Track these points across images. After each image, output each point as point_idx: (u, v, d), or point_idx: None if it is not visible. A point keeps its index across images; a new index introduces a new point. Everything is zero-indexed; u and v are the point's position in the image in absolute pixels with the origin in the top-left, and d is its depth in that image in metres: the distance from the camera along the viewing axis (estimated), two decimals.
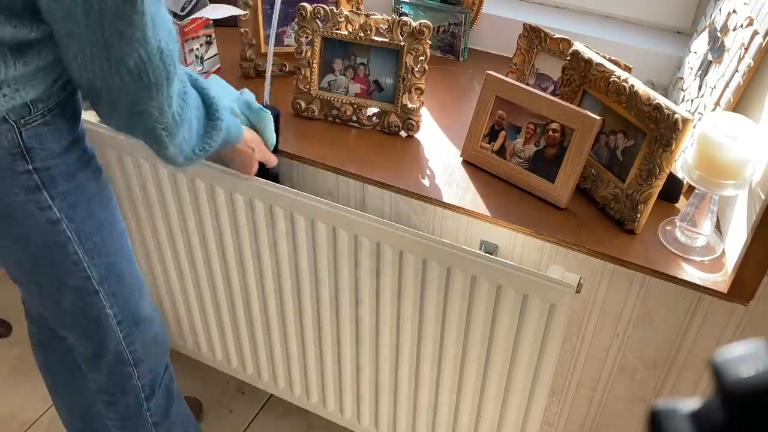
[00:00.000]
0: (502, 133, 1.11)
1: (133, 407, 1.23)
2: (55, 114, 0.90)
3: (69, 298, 1.03)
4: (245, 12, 1.31)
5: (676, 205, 1.09)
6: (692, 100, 1.09)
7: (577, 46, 1.08)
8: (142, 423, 1.25)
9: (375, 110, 1.24)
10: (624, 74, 1.01)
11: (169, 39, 0.80)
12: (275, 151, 1.17)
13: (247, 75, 1.36)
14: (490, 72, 1.10)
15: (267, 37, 1.31)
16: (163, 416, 1.28)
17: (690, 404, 0.33)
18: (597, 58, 1.05)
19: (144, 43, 0.77)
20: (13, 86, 0.82)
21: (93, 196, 0.98)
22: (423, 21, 1.14)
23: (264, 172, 1.19)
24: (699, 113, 1.05)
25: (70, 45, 0.79)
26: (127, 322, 1.11)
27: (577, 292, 1.06)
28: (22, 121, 0.86)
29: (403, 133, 1.23)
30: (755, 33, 0.96)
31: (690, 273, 0.98)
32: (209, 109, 0.95)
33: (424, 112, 1.25)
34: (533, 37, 1.21)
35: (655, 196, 1.00)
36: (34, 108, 0.86)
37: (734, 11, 1.04)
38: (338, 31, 1.19)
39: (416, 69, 1.17)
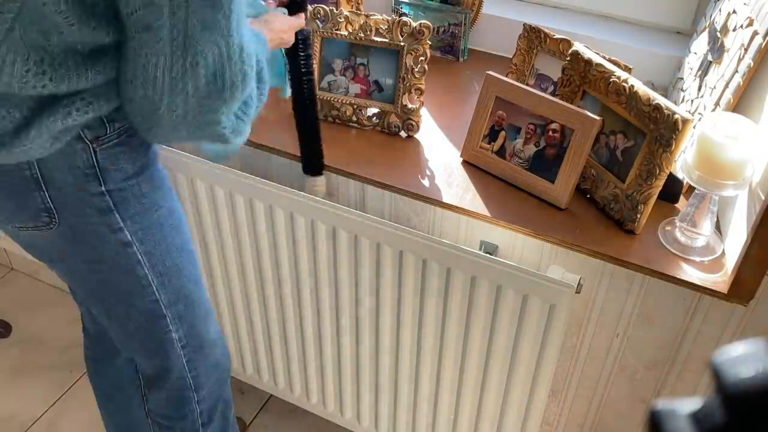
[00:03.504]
0: (502, 133, 1.11)
1: None
2: (131, 134, 0.86)
3: (136, 320, 1.02)
4: None
5: (676, 205, 1.09)
6: (692, 101, 1.09)
7: (577, 46, 1.08)
8: None
9: (375, 110, 1.24)
10: (624, 74, 1.01)
11: (249, 39, 0.76)
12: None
13: None
14: (490, 72, 1.10)
15: None
16: None
17: (690, 404, 0.33)
18: (597, 59, 1.05)
19: (227, 35, 0.72)
20: (86, 99, 0.78)
21: (165, 219, 0.96)
22: (423, 21, 1.14)
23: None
24: (699, 113, 1.05)
25: (143, 46, 0.71)
26: (192, 346, 1.09)
27: (577, 292, 1.06)
28: (98, 140, 0.84)
29: (403, 134, 1.23)
30: (755, 33, 0.96)
31: (690, 273, 0.98)
32: (259, 77, 0.86)
33: (424, 112, 1.25)
34: (533, 37, 1.21)
35: (655, 197, 1.00)
36: (110, 127, 0.84)
37: (734, 11, 1.04)
38: (338, 32, 1.19)
39: (416, 69, 1.17)
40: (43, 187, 0.85)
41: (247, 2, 0.98)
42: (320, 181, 1.18)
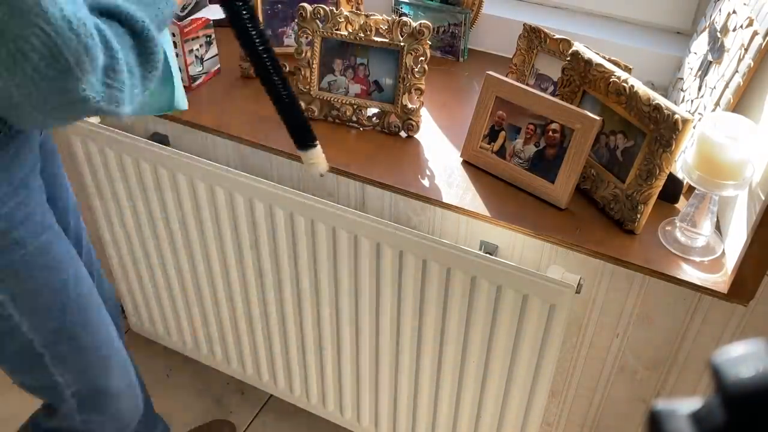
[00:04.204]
0: (502, 133, 1.11)
1: None
2: None
3: (10, 360, 0.99)
4: None
5: (676, 205, 1.09)
6: (692, 101, 1.09)
7: (577, 46, 1.08)
8: None
9: (375, 111, 1.24)
10: (624, 75, 1.01)
11: (75, 7, 0.68)
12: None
13: (247, 75, 1.36)
14: (490, 72, 1.10)
15: None
16: None
17: (690, 404, 0.33)
18: (597, 59, 1.05)
19: (42, 13, 0.64)
20: None
21: (35, 258, 0.90)
22: (423, 21, 1.14)
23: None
24: (699, 114, 1.05)
25: None
26: (85, 392, 1.04)
27: (577, 292, 1.06)
28: None
29: (403, 134, 1.23)
30: (755, 33, 0.96)
31: (690, 273, 0.98)
32: (139, 38, 0.77)
33: (424, 112, 1.25)
34: (533, 37, 1.21)
35: (655, 197, 1.00)
36: None
37: (734, 12, 1.04)
38: (338, 32, 1.19)
39: (416, 69, 1.17)
40: None
41: None
42: (317, 154, 1.04)
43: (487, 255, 1.09)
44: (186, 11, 1.29)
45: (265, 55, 0.95)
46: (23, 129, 0.83)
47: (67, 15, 0.66)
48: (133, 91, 0.76)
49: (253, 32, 0.93)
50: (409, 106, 1.20)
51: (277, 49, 1.26)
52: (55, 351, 0.98)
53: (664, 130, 0.95)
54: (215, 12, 1.27)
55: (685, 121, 0.93)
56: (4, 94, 0.69)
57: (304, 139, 1.03)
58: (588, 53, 1.06)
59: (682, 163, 0.98)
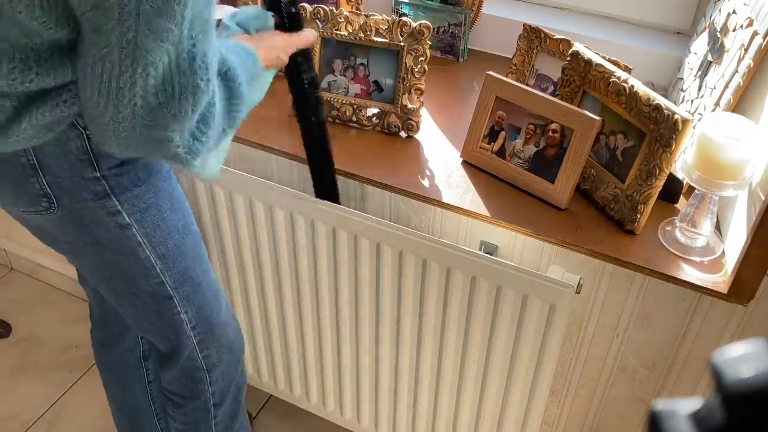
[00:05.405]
0: (502, 133, 1.11)
1: (200, 412, 1.21)
2: None
3: (143, 302, 1.03)
4: None
5: (676, 205, 1.09)
6: (692, 101, 1.09)
7: (577, 46, 1.08)
8: (206, 429, 1.23)
9: (375, 111, 1.24)
10: (624, 75, 1.01)
11: (207, 47, 0.70)
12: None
13: None
14: (490, 72, 1.10)
15: None
16: (227, 427, 1.27)
17: (690, 404, 0.33)
18: (597, 59, 1.05)
19: (178, 43, 0.68)
20: (74, 90, 0.78)
21: (163, 200, 0.96)
22: (423, 21, 1.14)
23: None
24: (699, 114, 1.05)
25: (92, 47, 0.69)
26: (203, 327, 1.10)
27: (577, 292, 1.06)
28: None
29: (403, 134, 1.23)
30: (755, 33, 0.96)
31: (690, 273, 0.98)
32: (231, 96, 0.80)
33: (423, 112, 1.25)
34: (533, 37, 1.21)
35: (654, 197, 1.00)
36: None
37: (734, 12, 1.04)
38: (338, 32, 1.19)
39: (416, 69, 1.17)
40: (40, 173, 0.86)
41: (255, 15, 0.95)
42: (331, 204, 1.15)
43: (487, 255, 1.09)
44: None
45: (313, 109, 1.05)
46: (98, 144, 0.85)
47: (195, 51, 0.69)
48: (208, 146, 0.78)
49: (307, 85, 1.02)
50: (409, 106, 1.20)
51: None
52: (183, 292, 1.04)
53: (664, 130, 0.95)
54: (220, 11, 1.27)
55: (685, 121, 0.93)
56: (97, 112, 0.71)
57: (329, 197, 1.15)
58: (588, 53, 1.06)
59: (682, 163, 0.98)
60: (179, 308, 1.05)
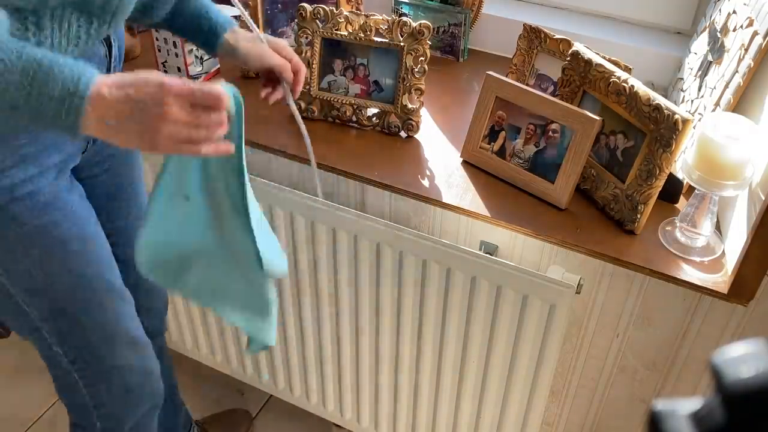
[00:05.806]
0: (502, 133, 1.11)
1: None
2: None
3: (9, 320, 1.01)
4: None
5: (676, 205, 1.09)
6: (692, 101, 1.09)
7: (577, 46, 1.08)
8: None
9: (375, 111, 1.24)
10: (624, 75, 1.01)
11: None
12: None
13: (246, 76, 1.36)
14: (490, 72, 1.10)
15: None
16: None
17: (690, 404, 0.33)
18: (597, 59, 1.05)
19: None
20: None
21: (35, 238, 0.89)
22: (423, 21, 1.14)
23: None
24: (699, 114, 1.05)
25: None
26: (85, 364, 1.04)
27: (577, 292, 1.06)
28: None
29: (402, 134, 1.23)
30: (755, 33, 0.96)
31: (690, 273, 0.98)
32: None
33: (423, 112, 1.25)
34: (533, 37, 1.21)
35: (655, 197, 1.00)
36: None
37: (734, 12, 1.04)
38: (338, 32, 1.19)
39: (416, 69, 1.17)
40: None
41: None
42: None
43: (487, 255, 1.09)
44: None
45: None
46: None
47: None
48: None
49: None
50: (409, 106, 1.20)
51: None
52: (54, 326, 0.98)
53: (664, 130, 0.95)
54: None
55: (685, 121, 0.93)
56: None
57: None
58: (588, 53, 1.06)
59: (682, 163, 0.98)
60: (50, 341, 1.00)
